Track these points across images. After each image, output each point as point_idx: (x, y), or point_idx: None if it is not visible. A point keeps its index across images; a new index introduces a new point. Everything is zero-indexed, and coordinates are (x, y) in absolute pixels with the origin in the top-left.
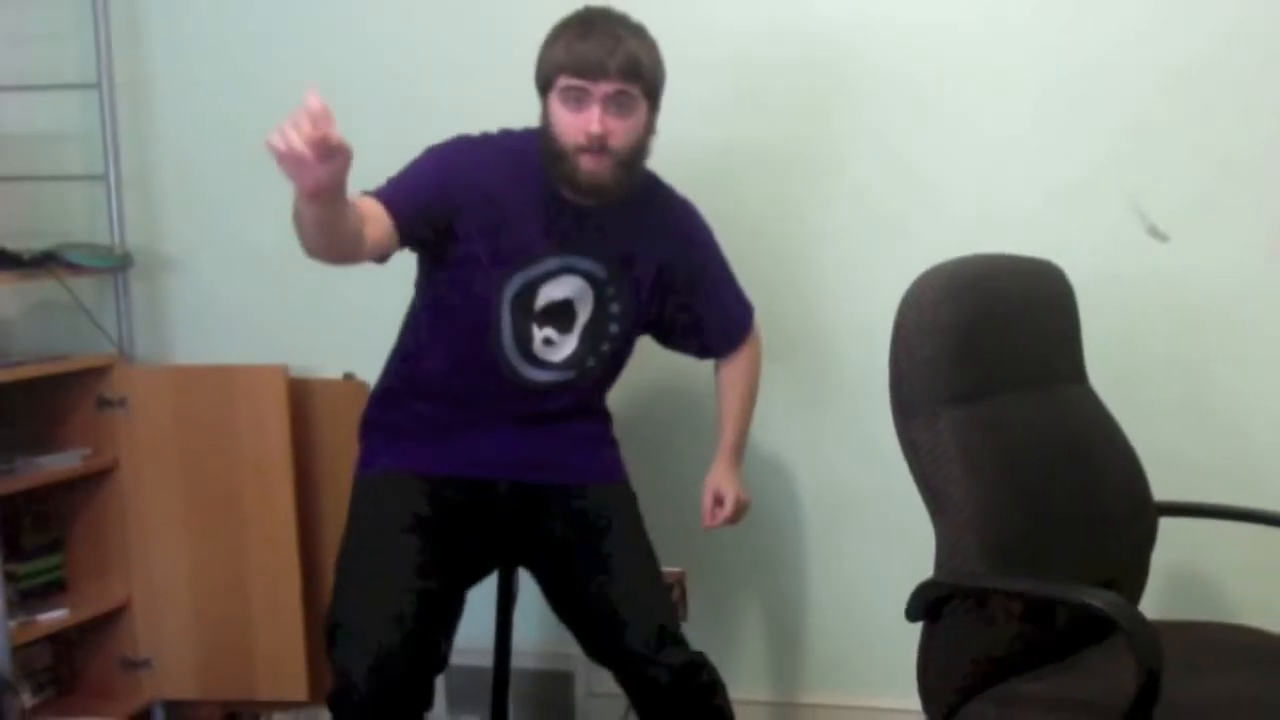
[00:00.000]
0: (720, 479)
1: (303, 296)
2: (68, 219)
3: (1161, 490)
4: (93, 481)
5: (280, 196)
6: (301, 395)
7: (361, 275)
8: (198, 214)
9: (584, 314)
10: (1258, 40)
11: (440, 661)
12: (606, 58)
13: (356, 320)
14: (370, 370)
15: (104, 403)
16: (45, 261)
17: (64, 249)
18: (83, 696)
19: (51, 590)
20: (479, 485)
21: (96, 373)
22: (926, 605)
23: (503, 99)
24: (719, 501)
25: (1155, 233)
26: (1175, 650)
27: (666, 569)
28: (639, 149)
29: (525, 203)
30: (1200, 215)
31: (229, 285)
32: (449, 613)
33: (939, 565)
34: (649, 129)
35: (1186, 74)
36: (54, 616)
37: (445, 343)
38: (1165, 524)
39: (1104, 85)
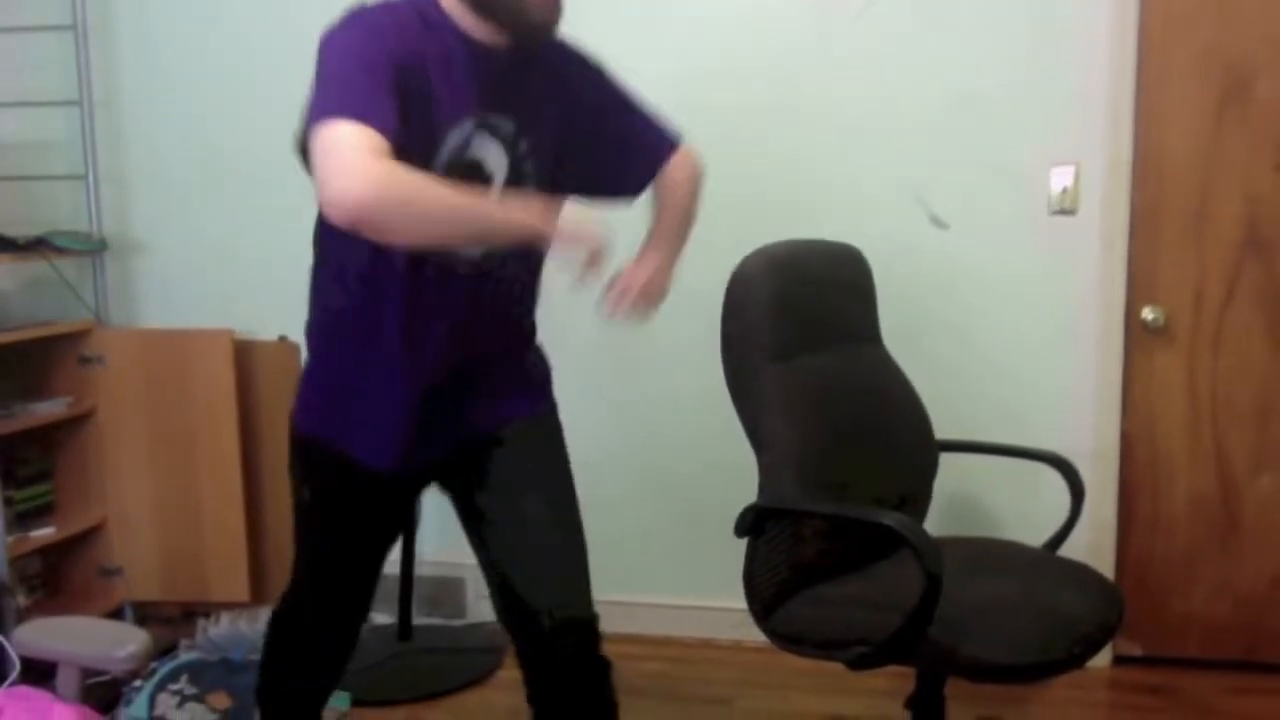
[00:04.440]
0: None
1: (245, 273)
2: (55, 211)
3: (941, 429)
4: (75, 424)
5: (230, 192)
6: (244, 354)
7: (295, 252)
8: (162, 207)
9: (499, 176)
10: (1022, 66)
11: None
12: None
13: (289, 292)
14: (300, 332)
15: (84, 360)
16: (36, 245)
17: (52, 235)
18: (67, 598)
19: (42, 512)
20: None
21: (78, 335)
22: (750, 524)
23: None
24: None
25: (937, 222)
26: (953, 560)
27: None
28: None
29: (442, 65)
30: (974, 209)
31: (186, 264)
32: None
33: (761, 492)
34: None
35: (966, 95)
36: (44, 533)
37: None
38: (945, 457)
39: (900, 110)
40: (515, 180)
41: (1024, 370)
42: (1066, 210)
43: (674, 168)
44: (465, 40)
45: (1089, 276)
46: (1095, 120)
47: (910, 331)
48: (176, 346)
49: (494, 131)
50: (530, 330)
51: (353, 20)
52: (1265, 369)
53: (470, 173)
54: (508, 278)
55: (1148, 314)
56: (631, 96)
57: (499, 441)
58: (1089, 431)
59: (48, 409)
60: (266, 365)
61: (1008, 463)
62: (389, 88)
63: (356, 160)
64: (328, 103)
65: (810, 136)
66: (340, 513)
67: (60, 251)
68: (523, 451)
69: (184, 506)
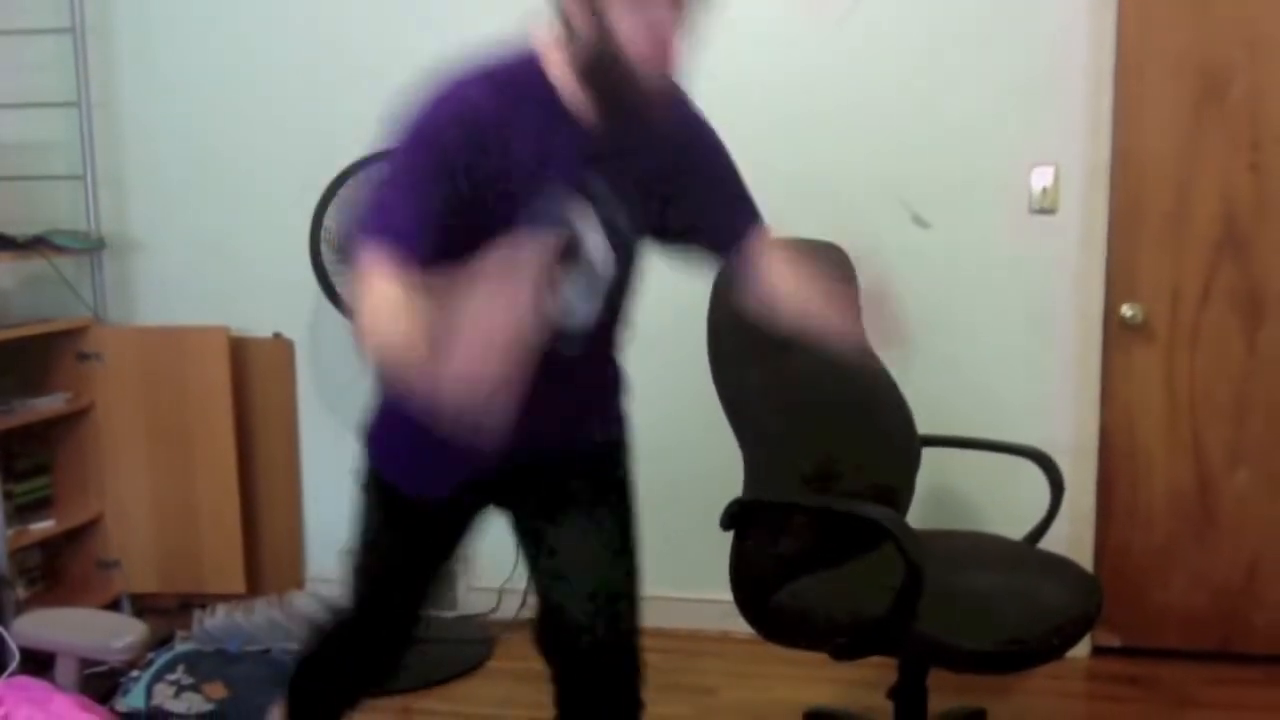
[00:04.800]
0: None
1: (240, 272)
2: (54, 210)
3: (923, 425)
4: (74, 419)
5: (226, 192)
6: (239, 350)
7: (289, 251)
8: (158, 207)
9: (596, 247)
10: (1003, 69)
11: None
12: None
13: (283, 291)
14: (294, 329)
15: (82, 356)
16: (36, 244)
17: (51, 234)
18: (66, 590)
19: (41, 505)
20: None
21: (77, 332)
22: (736, 518)
23: None
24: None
25: (919, 221)
26: (935, 552)
27: None
28: None
29: (532, 133)
30: (956, 208)
31: (182, 263)
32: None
33: (747, 486)
34: None
35: (948, 98)
36: (43, 526)
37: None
38: (927, 452)
39: (884, 113)
40: (615, 248)
41: (1005, 366)
42: (1046, 210)
43: (773, 249)
44: (565, 108)
45: (1069, 274)
46: (1074, 122)
47: None
48: (173, 343)
49: (590, 199)
50: (615, 368)
51: (432, 104)
52: (1241, 365)
53: (565, 244)
54: (591, 349)
55: (1126, 311)
56: (733, 162)
57: (563, 464)
58: (1069, 426)
59: (47, 404)
60: (261, 362)
61: (989, 457)
62: (434, 195)
63: (366, 307)
64: (368, 215)
65: (795, 138)
66: (406, 534)
67: (59, 250)
68: (585, 478)
69: (180, 500)
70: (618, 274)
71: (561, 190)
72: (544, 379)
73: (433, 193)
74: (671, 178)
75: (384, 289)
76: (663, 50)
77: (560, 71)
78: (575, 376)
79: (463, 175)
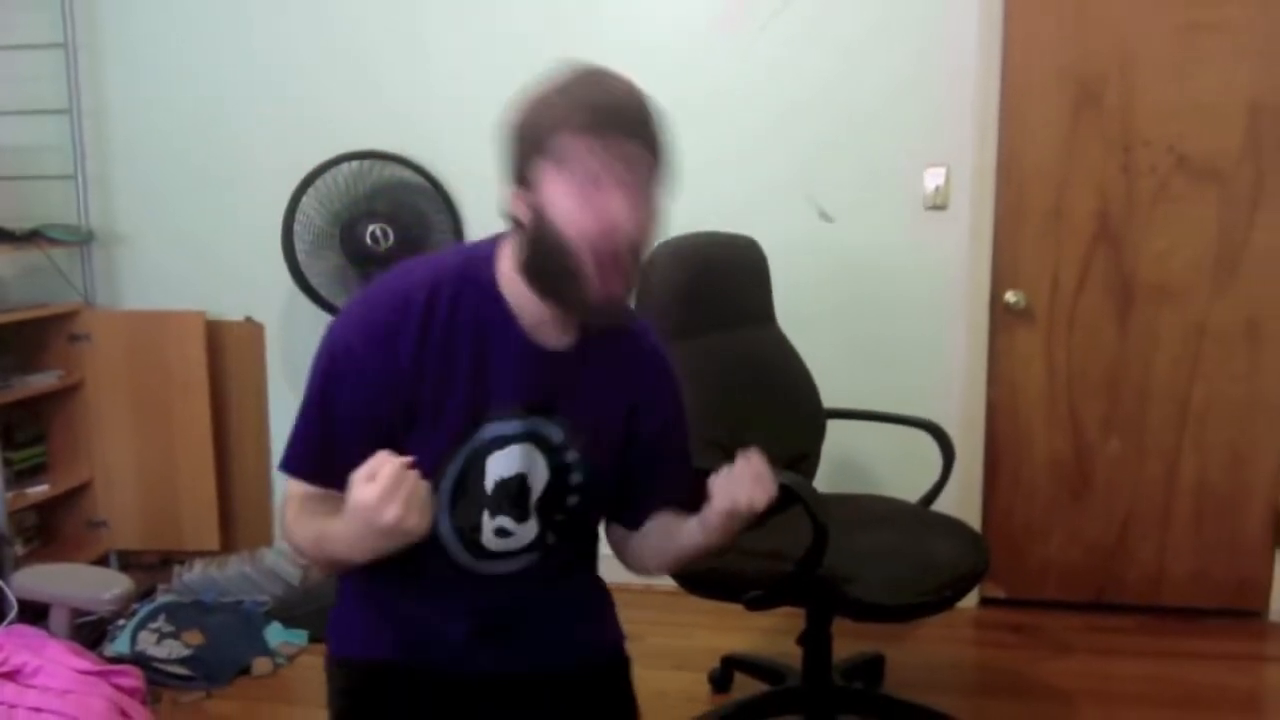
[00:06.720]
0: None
1: (215, 262)
2: (48, 206)
3: (828, 399)
4: (66, 394)
5: (202, 190)
6: (215, 333)
7: (258, 243)
8: (142, 203)
9: (537, 488)
10: (901, 81)
11: None
12: (636, 107)
13: (254, 279)
14: (264, 313)
15: (74, 338)
16: (31, 236)
17: (45, 228)
18: (59, 548)
19: (36, 471)
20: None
21: (68, 316)
22: None
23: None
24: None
25: (824, 216)
26: (839, 514)
27: None
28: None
29: (469, 357)
30: (857, 204)
31: (163, 253)
32: None
33: None
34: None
35: (851, 105)
36: (38, 490)
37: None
38: (831, 424)
39: (793, 118)
40: (558, 488)
41: (901, 347)
42: (939, 206)
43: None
44: (514, 326)
45: (959, 264)
46: (964, 128)
47: (801, 313)
48: (155, 326)
49: (534, 436)
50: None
51: (354, 316)
52: (1113, 346)
53: (510, 488)
54: (547, 563)
55: (1010, 297)
56: (686, 419)
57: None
58: (959, 401)
59: (41, 381)
60: (234, 343)
61: (887, 428)
62: (336, 420)
63: (284, 523)
64: (287, 447)
65: (712, 140)
66: None
67: (52, 242)
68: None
69: (161, 466)
70: (550, 488)
71: (500, 421)
72: (495, 603)
73: (337, 420)
74: (631, 430)
75: (294, 509)
76: (610, 234)
77: (508, 277)
78: (531, 598)
79: (375, 401)
